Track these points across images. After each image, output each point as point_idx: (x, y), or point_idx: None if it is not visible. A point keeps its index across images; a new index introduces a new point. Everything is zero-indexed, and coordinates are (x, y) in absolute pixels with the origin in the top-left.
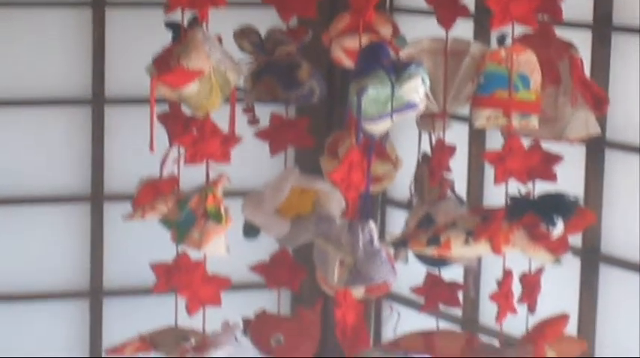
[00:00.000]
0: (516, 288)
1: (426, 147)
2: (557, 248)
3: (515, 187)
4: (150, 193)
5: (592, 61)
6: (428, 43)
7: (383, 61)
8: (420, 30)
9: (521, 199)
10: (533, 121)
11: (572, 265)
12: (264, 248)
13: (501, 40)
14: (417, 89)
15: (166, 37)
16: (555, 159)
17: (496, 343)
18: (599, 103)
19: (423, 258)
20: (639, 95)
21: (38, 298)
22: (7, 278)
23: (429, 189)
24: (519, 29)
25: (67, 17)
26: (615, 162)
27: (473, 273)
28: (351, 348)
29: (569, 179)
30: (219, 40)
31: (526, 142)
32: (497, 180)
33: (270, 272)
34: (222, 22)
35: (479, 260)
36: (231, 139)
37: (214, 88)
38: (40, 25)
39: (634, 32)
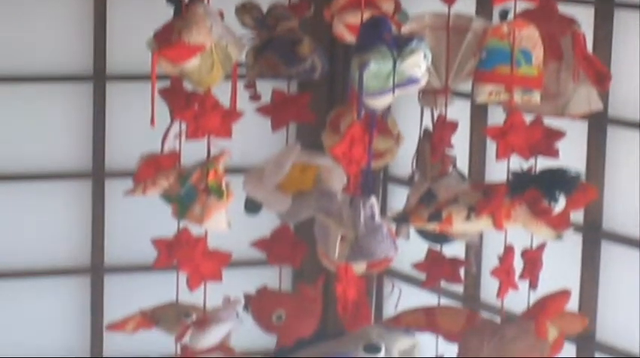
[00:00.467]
0: (518, 265)
1: (428, 123)
2: (559, 223)
3: (517, 163)
4: (151, 169)
5: (594, 36)
6: (430, 18)
7: (385, 36)
8: (422, 5)
9: (522, 175)
10: (535, 97)
11: (573, 241)
12: (265, 225)
13: (503, 16)
14: (418, 64)
15: (168, 13)
16: (557, 134)
17: (497, 319)
18: (601, 79)
19: (424, 234)
20: None
21: (39, 275)
22: (8, 254)
23: (431, 165)
24: (521, 4)
25: None
26: (617, 139)
27: (474, 249)
28: (352, 323)
29: (571, 155)
30: (221, 15)
31: (528, 118)
32: (498, 155)
33: (272, 248)
34: None
35: (480, 236)
36: (232, 114)
37: (216, 63)
38: (42, 3)
39: (636, 8)
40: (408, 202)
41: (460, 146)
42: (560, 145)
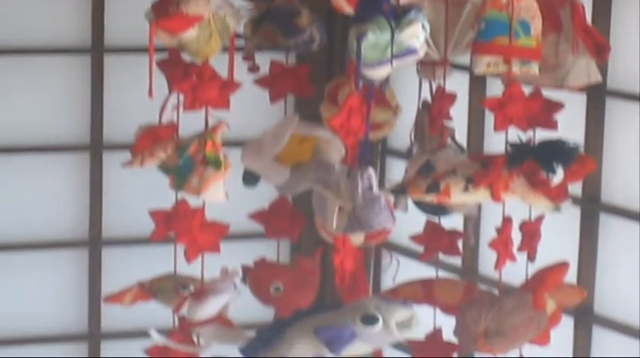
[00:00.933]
0: (516, 237)
1: (427, 95)
2: (557, 195)
3: (515, 135)
4: (149, 140)
5: (593, 7)
6: None
7: (383, 7)
8: None
9: (521, 146)
10: (534, 68)
11: (572, 214)
12: (263, 197)
13: None
14: (417, 35)
15: None
16: (556, 106)
17: (495, 292)
18: (600, 51)
19: (422, 206)
20: None
21: (38, 247)
22: (6, 227)
23: (429, 137)
24: None
25: None
26: (616, 111)
27: (472, 221)
28: (350, 295)
29: (570, 127)
30: None
31: (526, 90)
32: (497, 127)
33: (270, 221)
34: None
35: (478, 208)
36: (230, 85)
37: (213, 33)
38: None
39: None
40: (406, 174)
41: (458, 118)
42: (559, 117)
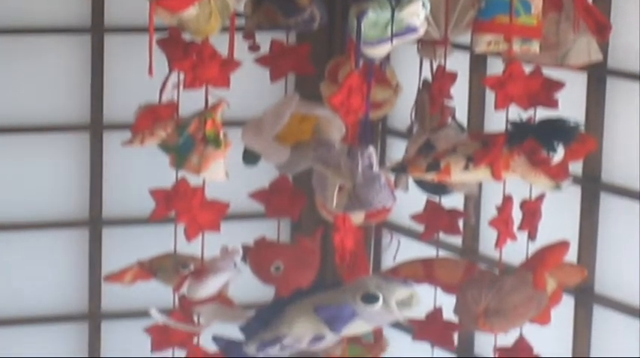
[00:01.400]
0: (516, 216)
1: (427, 75)
2: (558, 174)
3: (516, 114)
4: (149, 119)
5: None
6: None
7: None
8: None
9: (521, 125)
10: (534, 46)
11: (572, 193)
12: (263, 176)
13: None
14: (417, 13)
15: None
16: (556, 85)
17: (496, 271)
18: (601, 29)
19: (423, 185)
20: None
21: (37, 227)
22: (5, 207)
23: (430, 116)
24: None
25: None
26: (617, 90)
27: (473, 201)
28: (350, 274)
29: (570, 106)
30: None
31: (527, 69)
32: (497, 105)
33: (270, 200)
34: None
35: (479, 188)
36: (230, 63)
37: (214, 11)
38: None
39: None
40: (406, 153)
41: (459, 97)
42: (560, 96)
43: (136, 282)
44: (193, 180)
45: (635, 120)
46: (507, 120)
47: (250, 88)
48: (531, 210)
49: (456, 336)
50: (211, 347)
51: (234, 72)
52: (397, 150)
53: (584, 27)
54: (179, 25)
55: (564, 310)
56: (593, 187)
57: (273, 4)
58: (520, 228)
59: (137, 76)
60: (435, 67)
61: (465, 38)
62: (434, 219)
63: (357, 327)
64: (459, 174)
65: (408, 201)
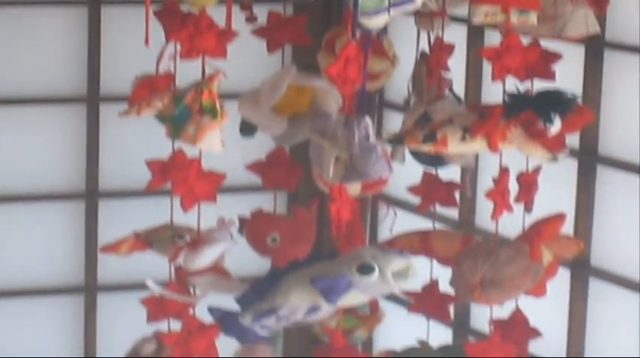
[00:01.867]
0: (513, 189)
1: (425, 46)
2: (554, 145)
3: (513, 86)
4: (146, 90)
5: None
6: None
7: None
8: None
9: (518, 96)
10: (532, 18)
11: (569, 166)
12: (260, 148)
13: None
14: None
15: None
16: (554, 57)
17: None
18: (599, 1)
19: (419, 157)
20: None
21: (34, 199)
22: (2, 179)
23: (427, 88)
24: None
25: None
26: (615, 62)
27: (470, 173)
28: (346, 245)
29: (568, 78)
30: None
31: (525, 40)
32: (494, 76)
33: (267, 171)
34: None
35: (476, 160)
36: (227, 34)
37: None
38: None
39: None
40: (403, 125)
41: (456, 69)
42: (557, 68)
43: (132, 253)
44: (190, 152)
45: (632, 92)
46: (504, 92)
47: (247, 60)
48: (528, 182)
49: (452, 309)
50: (207, 318)
51: (231, 42)
52: (394, 122)
53: None
54: None
55: (560, 283)
56: (590, 160)
57: None
58: (516, 200)
59: (134, 48)
60: (432, 38)
61: (463, 10)
62: (430, 191)
63: (353, 298)
64: (455, 146)
65: (404, 174)
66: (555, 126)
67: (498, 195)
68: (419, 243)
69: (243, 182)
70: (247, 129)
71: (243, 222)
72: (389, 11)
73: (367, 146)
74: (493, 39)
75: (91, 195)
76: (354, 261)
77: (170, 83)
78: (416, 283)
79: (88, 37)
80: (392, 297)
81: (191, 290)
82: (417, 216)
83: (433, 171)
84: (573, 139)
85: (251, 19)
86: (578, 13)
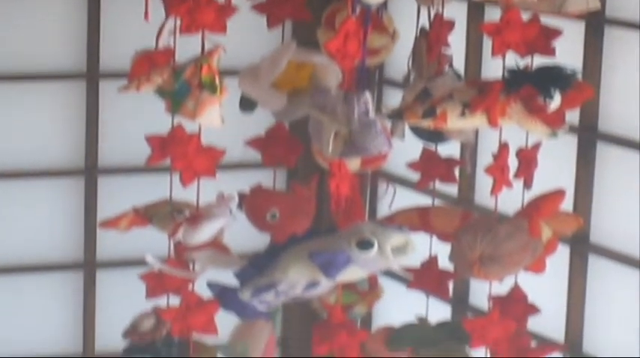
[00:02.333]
0: (513, 165)
1: (425, 22)
2: (554, 121)
3: (513, 62)
4: (145, 65)
5: None
6: None
7: None
8: None
9: (518, 72)
10: None
11: (569, 142)
12: (260, 124)
13: None
14: None
15: None
16: (554, 33)
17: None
18: None
19: (419, 133)
20: None
21: (33, 176)
22: (1, 155)
23: (427, 64)
24: None
25: None
26: (615, 39)
27: (469, 149)
28: (345, 220)
29: (568, 54)
30: None
31: (525, 16)
32: (494, 52)
33: (266, 147)
34: None
35: (475, 137)
36: (227, 9)
37: None
38: None
39: None
40: (403, 101)
41: (456, 46)
42: (557, 44)
43: (131, 229)
44: (190, 128)
45: (632, 69)
46: (504, 67)
47: (247, 36)
48: (527, 159)
49: (451, 286)
50: (206, 294)
51: (230, 18)
52: (394, 99)
53: None
54: None
55: (560, 259)
56: (589, 136)
57: None
58: (516, 176)
59: (134, 23)
60: (432, 14)
61: None
62: (430, 167)
63: (352, 273)
64: (455, 121)
65: (404, 151)
66: (555, 102)
67: (497, 170)
68: (418, 219)
69: (242, 159)
70: (247, 104)
71: (242, 197)
72: None
73: (367, 121)
74: (493, 15)
75: (90, 171)
76: (353, 236)
77: (169, 58)
78: (415, 259)
79: (88, 13)
80: (391, 274)
81: (190, 266)
82: (416, 193)
83: (432, 148)
84: (573, 116)
85: None
86: None
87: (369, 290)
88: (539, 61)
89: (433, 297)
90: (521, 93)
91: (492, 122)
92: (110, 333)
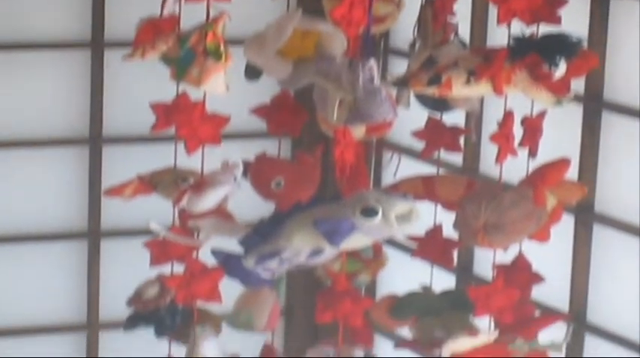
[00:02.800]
0: (518, 134)
1: None
2: (559, 89)
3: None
4: (150, 32)
5: None
6: None
7: None
8: None
9: (524, 40)
10: None
11: (574, 111)
12: (265, 93)
13: None
14: None
15: None
16: (560, 1)
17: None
18: None
19: (424, 101)
20: None
21: (37, 145)
22: (5, 124)
23: (433, 33)
24: None
25: None
26: (620, 7)
27: (474, 117)
28: (350, 188)
29: (574, 23)
30: None
31: None
32: (499, 19)
33: (272, 115)
34: None
35: (480, 106)
36: None
37: None
38: None
39: None
40: (408, 69)
41: (462, 14)
42: (562, 13)
43: (135, 196)
44: (194, 96)
45: (638, 38)
46: (510, 36)
47: (252, 5)
48: (532, 127)
49: (455, 255)
50: (210, 261)
51: None
52: (399, 69)
53: None
54: None
55: (564, 229)
56: (595, 105)
57: None
58: (521, 144)
59: None
60: None
61: None
62: (435, 136)
63: (356, 241)
64: (460, 88)
65: (409, 121)
66: (560, 70)
67: (502, 138)
68: (423, 188)
69: (247, 129)
70: (252, 72)
71: (247, 165)
72: None
73: (371, 88)
74: None
75: (95, 140)
76: (357, 203)
77: (174, 25)
78: (419, 228)
79: None
80: (395, 243)
81: (194, 234)
82: (421, 163)
83: (438, 116)
84: (578, 85)
85: None
86: None
87: (374, 258)
88: (544, 29)
89: (437, 267)
90: (527, 61)
91: (497, 90)
92: (114, 302)
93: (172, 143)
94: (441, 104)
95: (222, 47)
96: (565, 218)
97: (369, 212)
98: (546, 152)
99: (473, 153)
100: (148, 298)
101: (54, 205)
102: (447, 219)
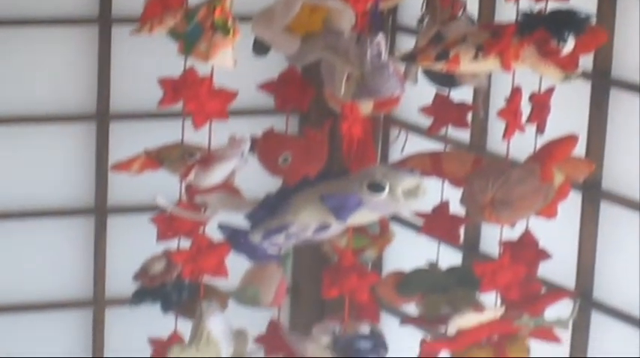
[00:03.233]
0: (526, 110)
1: None
2: (567, 64)
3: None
4: (158, 7)
5: None
6: None
7: None
8: None
9: (532, 15)
10: None
11: (582, 88)
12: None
13: None
14: None
15: None
16: None
17: None
18: None
19: (432, 77)
20: None
21: (44, 121)
22: (11, 100)
23: (441, 9)
24: None
25: None
26: None
27: (482, 94)
28: (357, 163)
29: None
30: None
31: None
32: None
33: (279, 91)
34: None
35: (488, 82)
36: None
37: None
38: None
39: None
40: (416, 45)
41: None
42: None
43: (143, 172)
44: (202, 71)
45: None
46: (518, 11)
47: None
48: (540, 103)
49: (462, 231)
50: (217, 236)
51: None
52: (407, 45)
53: None
54: None
55: (571, 206)
56: (603, 82)
57: None
58: (529, 120)
59: None
60: None
61: None
62: (442, 112)
63: (363, 216)
64: (468, 64)
65: (416, 98)
66: (568, 46)
67: (510, 114)
68: (430, 164)
69: (254, 105)
70: (260, 48)
71: (254, 141)
72: None
73: (379, 63)
74: None
75: (102, 116)
76: (364, 178)
77: (182, 0)
78: (426, 204)
79: None
80: (402, 220)
81: (201, 209)
82: (428, 140)
83: (445, 93)
84: (586, 61)
85: None
86: None
87: (380, 234)
88: (552, 4)
89: (444, 243)
90: (535, 37)
91: (505, 65)
92: (121, 279)
93: (180, 119)
94: (448, 80)
95: (230, 22)
96: (572, 195)
97: (376, 187)
98: (554, 129)
99: (480, 130)
100: (154, 273)
101: (61, 181)
102: (454, 196)
